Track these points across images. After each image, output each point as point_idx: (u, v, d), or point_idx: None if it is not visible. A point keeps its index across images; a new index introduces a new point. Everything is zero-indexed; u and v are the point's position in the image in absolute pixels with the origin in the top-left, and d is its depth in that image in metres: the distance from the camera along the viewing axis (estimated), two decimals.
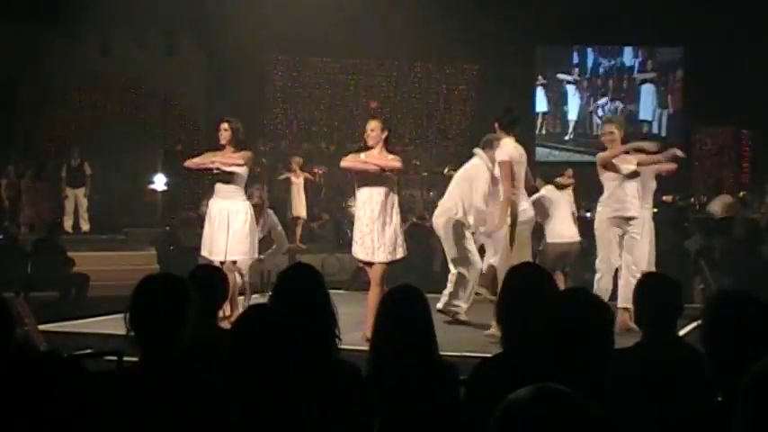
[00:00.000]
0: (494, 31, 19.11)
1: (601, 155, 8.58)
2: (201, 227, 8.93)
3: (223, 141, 8.65)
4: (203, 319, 4.01)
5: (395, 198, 7.85)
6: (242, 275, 8.76)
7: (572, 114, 22.64)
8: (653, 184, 9.18)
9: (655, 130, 22.32)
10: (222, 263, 8.09)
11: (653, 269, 8.35)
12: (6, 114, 17.77)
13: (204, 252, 8.55)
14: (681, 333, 3.99)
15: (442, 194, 9.50)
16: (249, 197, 8.96)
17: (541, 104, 22.64)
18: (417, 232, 14.84)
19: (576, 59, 22.67)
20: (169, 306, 3.05)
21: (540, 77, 22.47)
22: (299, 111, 21.25)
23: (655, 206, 17.28)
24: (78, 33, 18.15)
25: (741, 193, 19.48)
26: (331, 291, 3.69)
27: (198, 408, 2.82)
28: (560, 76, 22.53)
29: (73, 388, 2.09)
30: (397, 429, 3.50)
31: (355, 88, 21.47)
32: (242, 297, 8.93)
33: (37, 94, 18.38)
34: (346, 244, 10.93)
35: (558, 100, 22.69)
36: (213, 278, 4.57)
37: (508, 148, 8.04)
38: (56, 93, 18.88)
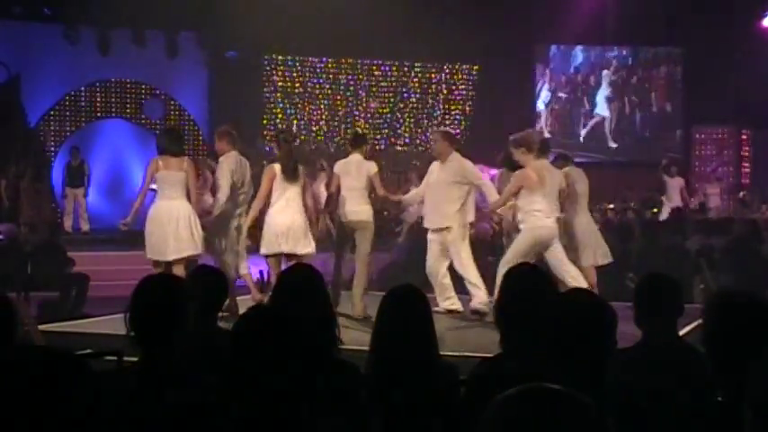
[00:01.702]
0: (494, 32, 19.11)
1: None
2: None
3: None
4: (203, 319, 4.02)
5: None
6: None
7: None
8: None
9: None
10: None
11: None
12: (6, 114, 17.76)
13: None
14: (681, 333, 3.99)
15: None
16: None
17: (540, 105, 22.65)
18: (418, 232, 14.82)
19: (573, 59, 22.67)
20: (169, 306, 3.05)
21: (538, 77, 22.48)
22: (298, 111, 21.26)
23: (654, 206, 17.34)
24: (78, 33, 18.17)
25: (741, 193, 19.48)
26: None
27: (198, 408, 2.82)
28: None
29: (75, 386, 2.09)
30: (396, 429, 3.50)
31: (355, 88, 21.47)
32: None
33: (37, 94, 18.37)
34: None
35: (555, 99, 22.72)
36: (213, 279, 4.57)
37: (341, 161, 9.28)
38: (56, 93, 18.87)
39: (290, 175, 8.45)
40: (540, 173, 8.42)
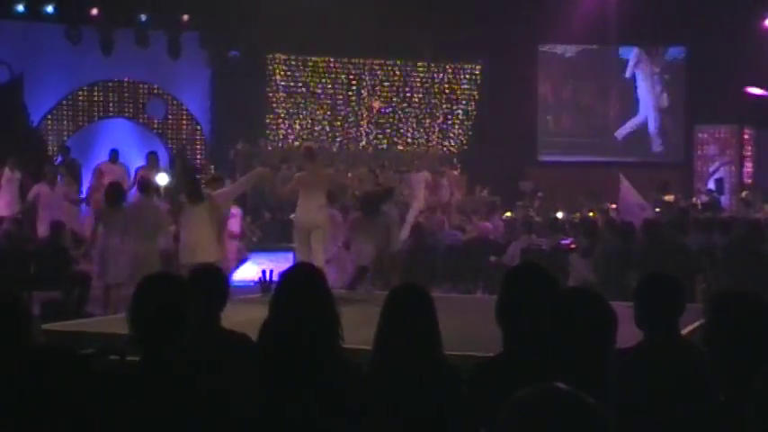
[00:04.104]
0: (496, 31, 19.11)
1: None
2: None
3: None
4: (204, 319, 4.02)
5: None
6: None
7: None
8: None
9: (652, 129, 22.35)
10: None
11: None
12: (9, 114, 17.78)
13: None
14: (683, 332, 3.98)
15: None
16: None
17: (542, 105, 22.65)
18: (419, 232, 14.81)
19: (575, 59, 22.65)
20: (169, 306, 3.05)
21: (541, 77, 22.47)
22: (300, 110, 21.26)
23: (655, 206, 17.33)
24: (81, 33, 18.18)
25: (743, 193, 19.44)
26: (333, 291, 3.68)
27: (198, 407, 2.82)
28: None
29: (76, 385, 2.09)
30: (397, 429, 3.49)
31: (357, 88, 21.47)
32: None
33: (39, 94, 18.39)
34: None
35: (555, 99, 22.72)
36: (214, 278, 4.56)
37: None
38: (58, 92, 18.89)
39: (192, 198, 10.06)
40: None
